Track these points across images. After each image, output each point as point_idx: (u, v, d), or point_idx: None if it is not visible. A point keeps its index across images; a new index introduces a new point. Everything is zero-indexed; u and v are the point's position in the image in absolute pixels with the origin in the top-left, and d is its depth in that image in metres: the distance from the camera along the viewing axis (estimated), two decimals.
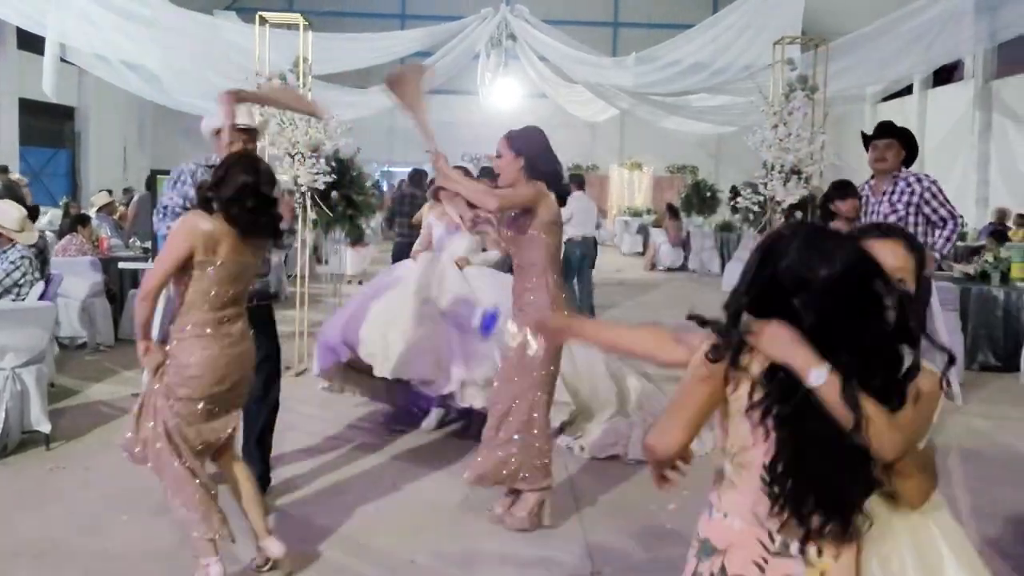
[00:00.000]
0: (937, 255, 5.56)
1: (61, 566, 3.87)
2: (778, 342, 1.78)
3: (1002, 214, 14.96)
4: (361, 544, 4.16)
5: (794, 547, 1.85)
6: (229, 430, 3.65)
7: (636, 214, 21.42)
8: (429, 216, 6.33)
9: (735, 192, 16.10)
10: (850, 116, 23.33)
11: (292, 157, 7.01)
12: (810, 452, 1.79)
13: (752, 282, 1.86)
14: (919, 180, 5.52)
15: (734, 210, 10.64)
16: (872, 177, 5.67)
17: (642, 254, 18.76)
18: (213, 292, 3.47)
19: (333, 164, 7.55)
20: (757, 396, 1.81)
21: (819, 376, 1.73)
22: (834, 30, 15.79)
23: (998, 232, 11.39)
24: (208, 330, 3.47)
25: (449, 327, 5.50)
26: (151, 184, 10.74)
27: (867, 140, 5.70)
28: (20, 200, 7.91)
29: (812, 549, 1.84)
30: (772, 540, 1.86)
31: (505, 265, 5.56)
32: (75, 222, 8.83)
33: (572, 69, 16.02)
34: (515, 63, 18.20)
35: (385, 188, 23.68)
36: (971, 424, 6.53)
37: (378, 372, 5.34)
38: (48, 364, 6.32)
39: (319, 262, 15.25)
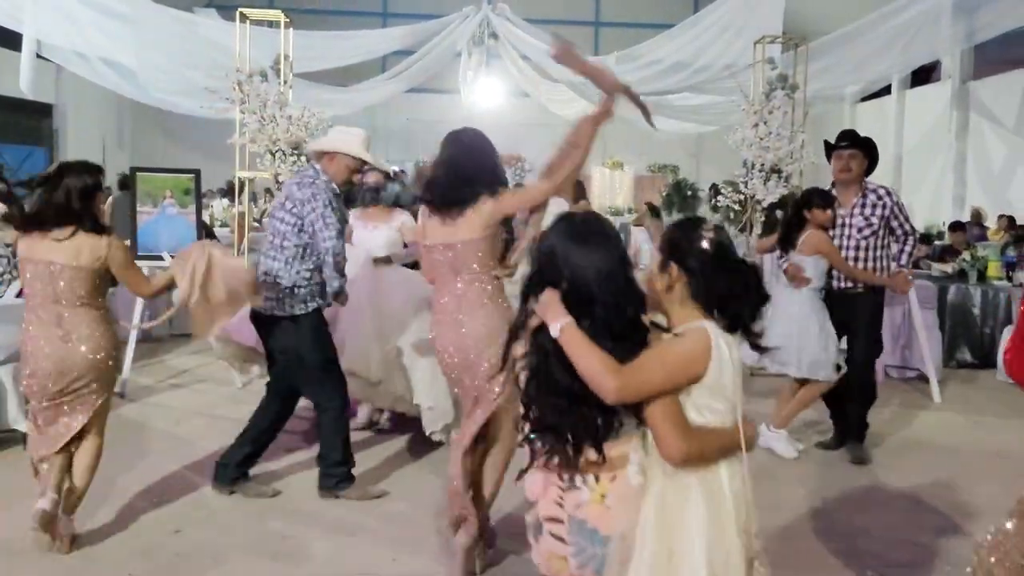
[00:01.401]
0: (903, 268, 5.64)
1: (35, 565, 3.83)
2: (541, 304, 2.17)
3: (978, 214, 15.10)
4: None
5: (579, 480, 2.18)
6: None
7: (617, 213, 21.43)
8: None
9: (715, 191, 16.18)
10: (829, 116, 23.46)
11: (273, 155, 6.96)
12: (553, 396, 2.16)
13: (534, 260, 2.27)
14: (888, 193, 5.52)
15: (714, 209, 10.69)
16: (833, 186, 5.61)
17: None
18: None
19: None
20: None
21: (555, 328, 2.11)
22: (814, 29, 15.94)
23: (957, 223, 11.51)
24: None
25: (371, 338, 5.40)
26: (125, 184, 10.68)
27: (830, 149, 5.62)
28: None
29: (591, 477, 2.16)
30: (562, 480, 2.20)
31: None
32: None
33: (553, 67, 16.00)
34: (497, 62, 18.20)
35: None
36: (949, 421, 6.61)
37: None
38: None
39: None
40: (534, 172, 26.19)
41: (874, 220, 5.39)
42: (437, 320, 3.76)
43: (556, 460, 2.17)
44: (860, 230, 5.40)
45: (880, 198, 5.44)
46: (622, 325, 2.14)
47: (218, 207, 13.86)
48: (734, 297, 2.17)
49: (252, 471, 4.81)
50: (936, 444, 6.03)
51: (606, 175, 25.10)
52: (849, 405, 5.60)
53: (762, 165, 7.56)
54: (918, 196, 21.10)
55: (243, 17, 7.40)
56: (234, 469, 4.71)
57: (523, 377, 2.24)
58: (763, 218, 7.79)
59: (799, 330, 5.31)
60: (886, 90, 21.75)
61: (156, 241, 6.59)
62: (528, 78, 18.11)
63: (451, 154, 3.90)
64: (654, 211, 17.43)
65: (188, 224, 6.80)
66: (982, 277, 8.43)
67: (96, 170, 3.96)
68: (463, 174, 3.76)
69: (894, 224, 5.48)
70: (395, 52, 16.99)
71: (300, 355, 4.58)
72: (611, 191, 24.77)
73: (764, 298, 2.21)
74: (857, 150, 5.44)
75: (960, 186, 19.28)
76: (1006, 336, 7.88)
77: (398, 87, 16.33)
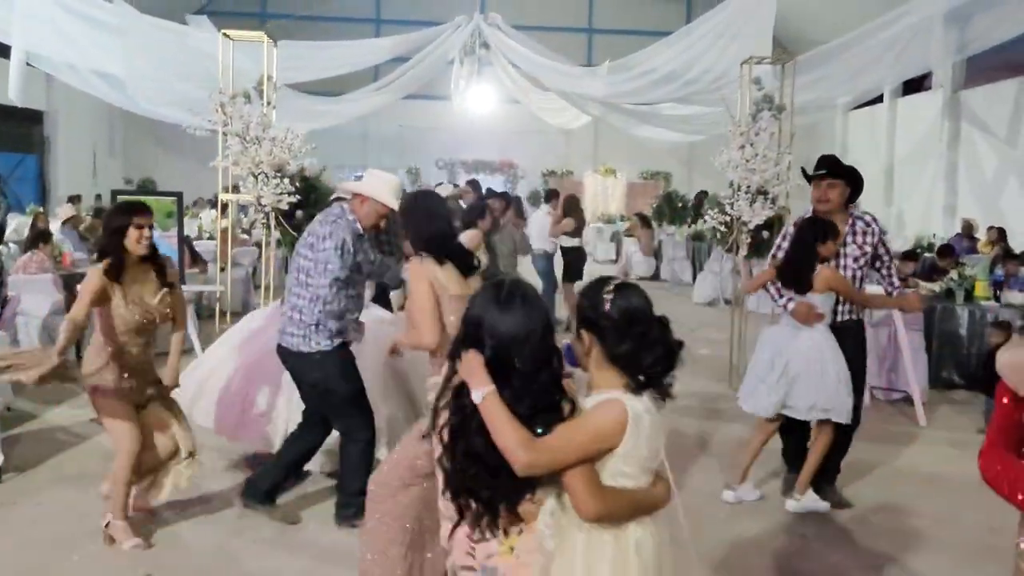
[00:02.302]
0: (905, 291, 5.49)
1: None
2: (464, 366, 2.22)
3: (968, 226, 15.09)
4: None
5: (489, 533, 2.24)
6: None
7: (609, 221, 21.45)
8: None
9: (701, 196, 16.17)
10: (822, 125, 23.52)
11: (256, 177, 6.92)
12: (469, 459, 2.21)
13: (462, 323, 2.32)
14: (875, 220, 5.34)
15: (697, 213, 10.50)
16: (814, 212, 5.27)
17: (615, 261, 18.79)
18: None
19: (297, 184, 7.49)
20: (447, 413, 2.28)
21: (477, 395, 2.16)
22: (808, 39, 15.96)
23: (945, 247, 11.43)
24: None
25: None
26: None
27: (808, 177, 5.36)
28: None
29: (499, 531, 2.24)
30: (474, 531, 2.25)
31: None
32: (36, 239, 8.69)
33: (545, 77, 16.00)
34: (489, 69, 18.18)
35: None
36: (935, 449, 6.58)
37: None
38: (1, 390, 6.25)
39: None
40: (527, 178, 26.24)
41: (867, 248, 5.21)
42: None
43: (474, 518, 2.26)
44: (856, 259, 5.20)
45: (868, 225, 5.26)
46: (539, 392, 2.20)
47: (207, 218, 13.80)
48: (643, 355, 2.22)
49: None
50: (920, 472, 6.01)
51: (599, 182, 25.11)
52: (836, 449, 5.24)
53: (748, 187, 7.52)
54: (909, 205, 21.14)
55: (226, 38, 7.30)
56: (264, 494, 4.85)
57: (446, 435, 2.29)
58: (748, 239, 7.75)
59: (814, 370, 4.93)
60: (878, 99, 21.76)
61: None
62: (520, 87, 18.10)
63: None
64: (645, 222, 17.50)
65: (169, 247, 6.76)
66: (969, 297, 8.41)
67: None
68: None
69: (881, 251, 5.29)
70: (387, 61, 16.92)
71: (328, 388, 4.68)
72: (604, 198, 24.77)
73: (672, 352, 2.27)
74: (836, 179, 5.14)
75: (951, 196, 19.29)
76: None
77: (389, 98, 16.29)
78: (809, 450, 5.20)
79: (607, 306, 2.24)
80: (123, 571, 4.14)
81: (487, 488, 2.21)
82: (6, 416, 6.46)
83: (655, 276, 16.81)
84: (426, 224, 4.03)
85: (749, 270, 8.10)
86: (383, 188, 4.60)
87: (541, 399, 2.20)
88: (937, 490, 5.65)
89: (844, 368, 4.95)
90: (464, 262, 3.95)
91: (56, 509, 4.85)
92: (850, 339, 5.14)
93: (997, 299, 8.45)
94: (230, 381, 5.41)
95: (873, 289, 5.67)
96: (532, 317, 2.23)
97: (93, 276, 4.26)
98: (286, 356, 4.68)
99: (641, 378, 2.22)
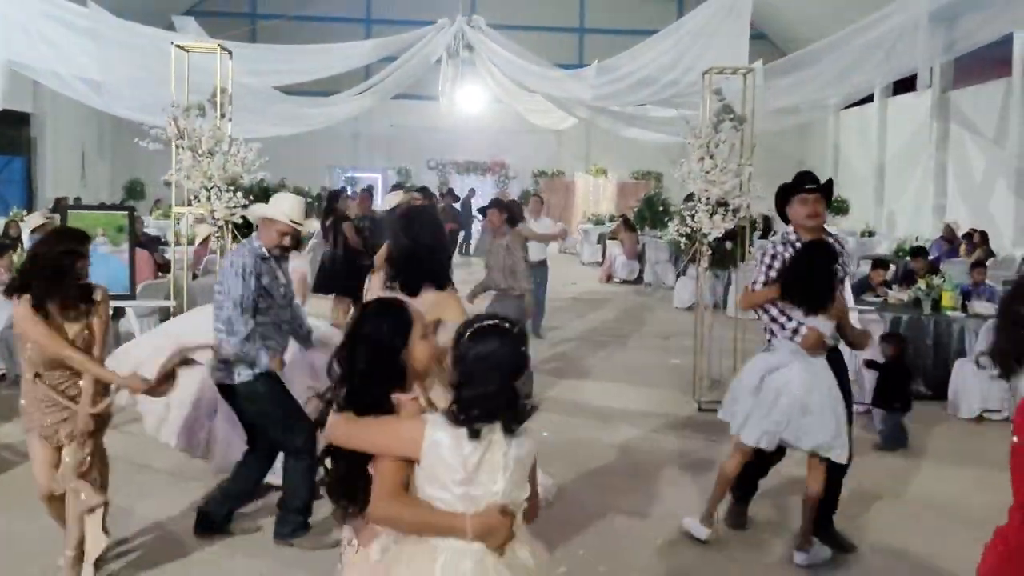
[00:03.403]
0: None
1: None
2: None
3: (950, 230, 14.99)
4: None
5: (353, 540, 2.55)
6: None
7: (599, 222, 21.35)
8: None
9: (689, 197, 16.02)
10: (814, 124, 23.42)
11: (208, 191, 6.87)
12: (338, 465, 2.52)
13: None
14: (840, 240, 5.12)
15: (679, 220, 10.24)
16: (794, 232, 4.95)
17: (601, 264, 18.72)
18: None
19: (257, 194, 7.43)
20: None
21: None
22: (804, 38, 15.86)
23: (917, 248, 11.28)
24: None
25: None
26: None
27: (790, 190, 4.96)
28: None
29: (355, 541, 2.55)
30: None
31: None
32: (2, 248, 8.66)
33: (527, 80, 15.92)
34: (476, 70, 18.09)
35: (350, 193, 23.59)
36: (890, 464, 6.50)
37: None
38: None
39: None
40: (519, 178, 26.17)
41: (846, 269, 5.04)
42: None
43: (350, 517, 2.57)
44: (841, 280, 4.98)
45: (841, 244, 5.01)
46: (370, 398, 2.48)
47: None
48: (466, 394, 2.38)
49: None
50: (874, 491, 5.92)
51: (589, 182, 25.03)
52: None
53: (708, 199, 7.45)
54: (899, 205, 21.05)
55: (180, 49, 7.24)
56: (220, 522, 4.88)
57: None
58: (710, 251, 7.68)
59: (816, 400, 4.60)
60: (869, 98, 21.64)
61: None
62: (505, 88, 18.04)
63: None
64: (628, 225, 17.43)
65: (120, 263, 6.72)
66: (936, 307, 8.34)
67: None
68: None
69: (848, 269, 5.25)
70: (376, 62, 16.86)
71: (261, 417, 4.73)
72: (594, 198, 24.68)
73: (495, 407, 2.36)
74: (821, 195, 4.89)
75: (940, 196, 19.21)
76: (957, 368, 7.80)
77: (374, 100, 16.21)
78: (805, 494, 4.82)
79: (461, 341, 2.43)
80: None
81: (349, 487, 2.51)
82: None
83: (638, 279, 16.74)
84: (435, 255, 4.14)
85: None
86: (283, 208, 4.63)
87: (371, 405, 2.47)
88: (884, 512, 5.58)
89: (841, 401, 4.67)
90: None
91: None
92: (839, 367, 4.86)
93: (965, 309, 8.38)
94: (198, 398, 5.36)
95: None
96: (384, 331, 2.53)
97: (26, 314, 4.00)
98: (218, 390, 4.77)
99: (457, 412, 2.36)
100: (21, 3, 11.76)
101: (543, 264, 10.84)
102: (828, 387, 4.62)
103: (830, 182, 5.02)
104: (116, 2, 14.47)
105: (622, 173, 25.36)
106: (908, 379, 7.17)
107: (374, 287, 4.02)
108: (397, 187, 17.51)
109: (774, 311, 4.77)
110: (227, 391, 4.70)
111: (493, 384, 2.35)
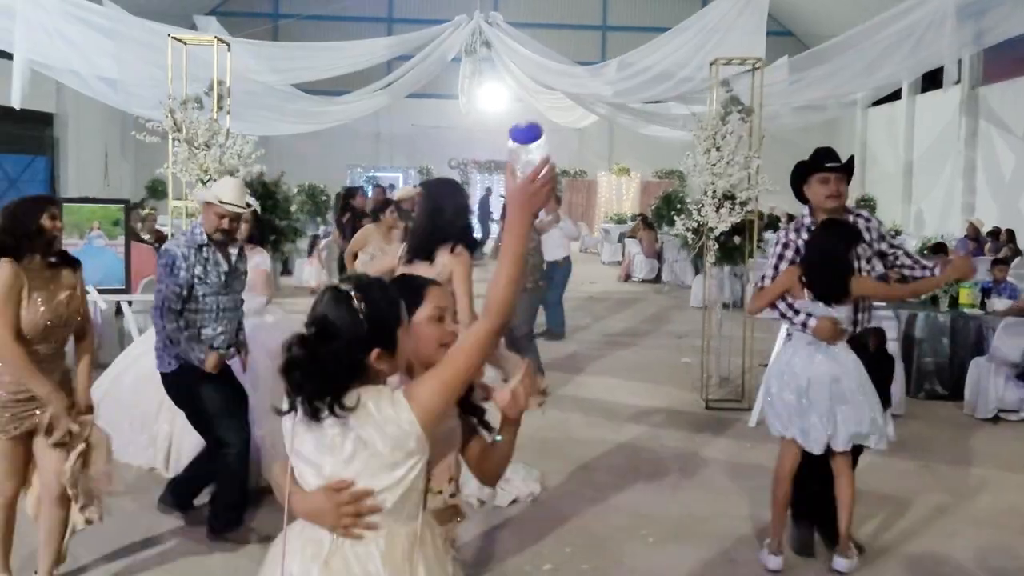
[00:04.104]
0: (937, 267, 4.68)
1: None
2: None
3: (974, 228, 14.65)
4: None
5: None
6: None
7: (621, 221, 21.16)
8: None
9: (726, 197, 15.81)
10: (841, 121, 23.09)
11: (204, 184, 6.80)
12: None
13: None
14: (870, 217, 4.72)
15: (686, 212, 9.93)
16: (811, 213, 4.65)
17: (621, 263, 18.54)
18: None
19: (256, 189, 7.38)
20: None
21: None
22: (826, 34, 15.59)
23: (939, 245, 10.96)
24: None
25: None
26: None
27: (809, 169, 4.62)
28: None
29: None
30: None
31: None
32: None
33: (547, 78, 15.77)
34: (496, 68, 17.99)
35: (371, 193, 23.60)
36: (896, 464, 6.28)
37: None
38: None
39: (287, 273, 15.12)
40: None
41: (875, 246, 4.61)
42: None
43: None
44: (869, 260, 4.60)
45: (868, 221, 4.66)
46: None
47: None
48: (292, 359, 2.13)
49: None
50: (877, 492, 5.72)
51: (612, 181, 24.82)
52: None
53: (714, 192, 7.26)
54: (928, 203, 20.68)
55: (178, 41, 7.19)
56: (183, 502, 4.90)
57: None
58: (716, 245, 7.49)
59: (847, 387, 4.32)
60: (897, 95, 21.29)
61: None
62: (525, 86, 17.90)
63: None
64: (647, 223, 17.23)
65: (115, 256, 6.67)
66: (954, 304, 8.09)
67: None
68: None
69: (883, 247, 4.66)
70: (395, 58, 16.82)
71: (185, 406, 4.68)
72: (617, 197, 24.49)
73: (319, 384, 2.08)
74: (844, 174, 4.55)
75: (969, 194, 18.83)
76: (973, 367, 7.56)
77: (388, 99, 16.15)
78: (838, 497, 4.51)
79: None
80: None
81: None
82: None
83: (657, 278, 16.54)
84: (461, 217, 4.13)
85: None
86: (217, 190, 4.54)
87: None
88: (888, 514, 5.38)
89: (872, 386, 4.38)
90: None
91: None
92: (876, 350, 4.66)
93: (983, 307, 8.12)
94: (120, 395, 5.32)
95: None
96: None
97: (3, 270, 3.71)
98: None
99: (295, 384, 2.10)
100: (41, 3, 11.84)
101: (560, 263, 10.68)
102: (854, 373, 4.33)
103: (851, 160, 4.65)
104: (139, 3, 14.56)
105: (645, 172, 25.13)
106: (890, 373, 6.93)
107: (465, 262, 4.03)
108: (421, 186, 17.42)
109: (782, 306, 4.49)
110: (161, 379, 4.64)
111: (325, 349, 2.06)
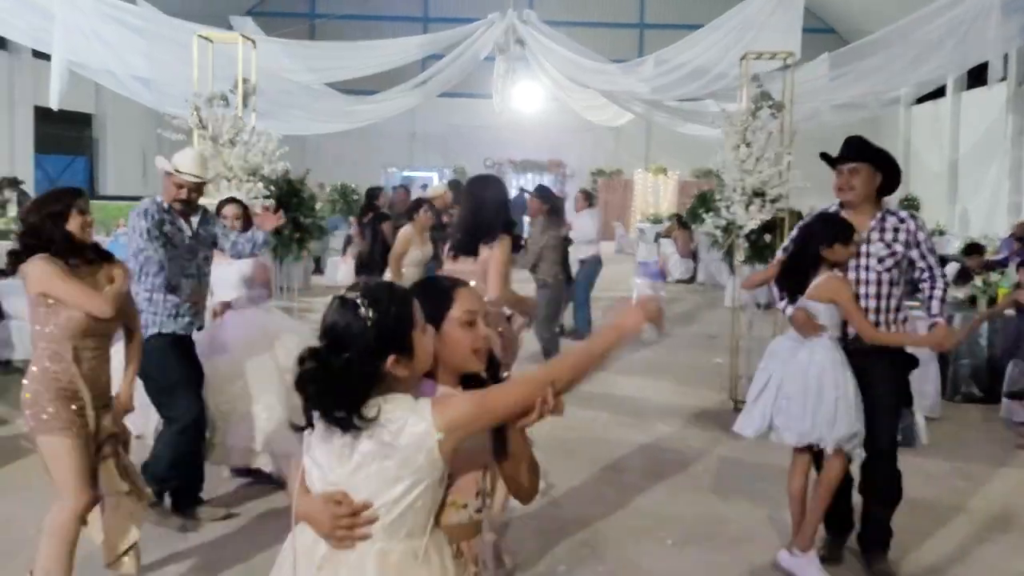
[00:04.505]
0: (938, 318, 4.33)
1: None
2: None
3: (1022, 227, 14.26)
4: None
5: None
6: None
7: (658, 221, 20.96)
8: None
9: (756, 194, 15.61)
10: (884, 119, 22.68)
11: (228, 181, 6.81)
12: None
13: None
14: (912, 217, 4.40)
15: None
16: (841, 206, 4.47)
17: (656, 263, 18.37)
18: None
19: (280, 186, 7.37)
20: None
21: None
22: (866, 29, 15.32)
23: (973, 246, 10.60)
24: None
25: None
26: None
27: (831, 163, 4.49)
28: None
29: None
30: None
31: None
32: None
33: (581, 76, 15.66)
34: (530, 67, 17.91)
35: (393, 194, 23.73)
36: (929, 467, 6.10)
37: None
38: None
39: (319, 272, 15.19)
40: (576, 177, 25.93)
41: (897, 248, 4.28)
42: None
43: None
44: (881, 260, 4.29)
45: (902, 221, 4.33)
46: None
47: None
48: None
49: None
50: (907, 496, 5.54)
51: (649, 180, 24.63)
52: (869, 504, 4.50)
53: (743, 189, 7.11)
54: (973, 203, 20.23)
55: (204, 39, 7.21)
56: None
57: None
58: (746, 243, 7.35)
59: (811, 387, 4.22)
60: (942, 93, 20.86)
61: None
62: (559, 84, 17.80)
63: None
64: (682, 223, 17.05)
65: None
66: (992, 305, 7.86)
67: None
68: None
69: (914, 255, 4.32)
70: (426, 57, 16.83)
71: (144, 375, 4.46)
72: (654, 197, 24.29)
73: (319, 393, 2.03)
74: (863, 164, 4.30)
75: (1016, 194, 18.39)
76: (1011, 368, 7.33)
77: (419, 98, 16.15)
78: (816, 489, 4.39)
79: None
80: None
81: None
82: None
83: (692, 278, 16.35)
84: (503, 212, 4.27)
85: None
86: (177, 160, 4.58)
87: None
88: (915, 517, 5.20)
89: (849, 392, 4.19)
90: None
91: None
92: (880, 368, 4.28)
93: (1021, 309, 7.88)
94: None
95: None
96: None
97: (42, 266, 3.53)
98: None
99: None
100: (78, 4, 11.99)
101: (587, 261, 10.58)
102: (823, 374, 4.18)
103: (868, 149, 4.35)
104: (176, 3, 14.69)
105: (683, 171, 24.89)
106: (906, 371, 6.76)
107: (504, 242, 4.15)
108: (449, 184, 17.43)
109: (775, 289, 4.51)
110: None
111: (337, 360, 1.98)
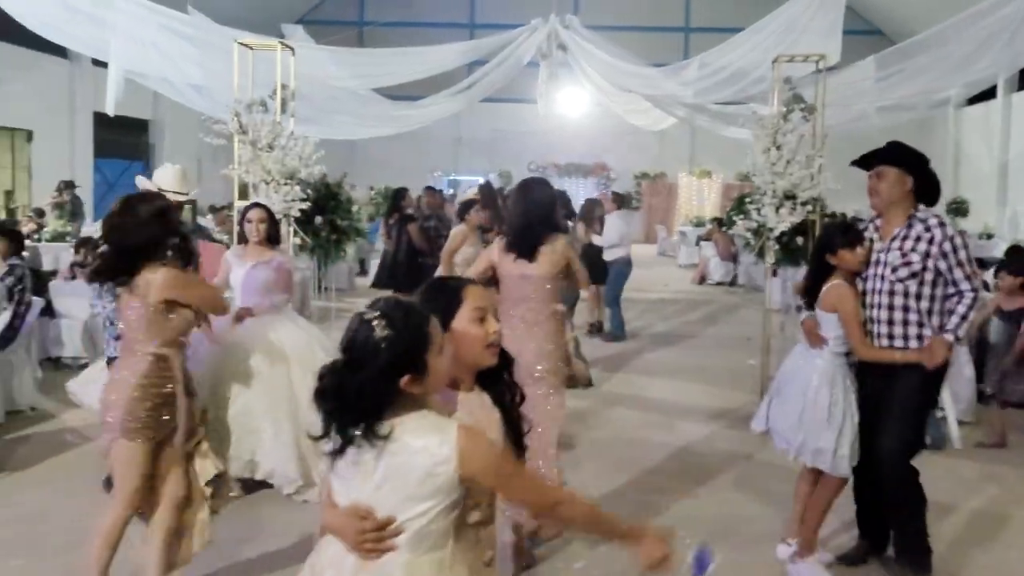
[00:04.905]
0: (950, 338, 4.06)
1: None
2: None
3: None
4: None
5: None
6: None
7: (700, 224, 20.91)
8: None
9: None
10: (933, 121, 22.32)
11: (267, 184, 7.01)
12: None
13: None
14: (941, 225, 4.10)
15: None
16: (878, 216, 4.31)
17: (697, 266, 18.34)
18: None
19: (318, 189, 7.56)
20: None
21: None
22: (917, 30, 15.13)
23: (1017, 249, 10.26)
24: None
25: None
26: None
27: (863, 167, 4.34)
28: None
29: None
30: None
31: None
32: (81, 243, 9.13)
33: (622, 80, 15.69)
34: (573, 72, 17.98)
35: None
36: (962, 473, 6.07)
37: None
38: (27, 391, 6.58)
39: (363, 273, 15.42)
40: (620, 180, 25.90)
41: (914, 258, 4.05)
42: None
43: None
44: (895, 269, 4.10)
45: (928, 230, 4.07)
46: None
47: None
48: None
49: None
50: (936, 501, 5.52)
51: (693, 184, 24.54)
52: (885, 512, 4.43)
53: (774, 192, 7.14)
54: None
55: (244, 46, 7.43)
56: None
57: None
58: (776, 246, 7.37)
59: (806, 403, 4.22)
60: (992, 94, 20.50)
61: None
62: (602, 88, 17.85)
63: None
64: (721, 225, 16.96)
65: None
66: None
67: None
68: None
69: (941, 267, 4.04)
70: (469, 63, 16.98)
71: None
72: (698, 200, 24.18)
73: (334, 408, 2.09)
74: (890, 167, 4.14)
75: None
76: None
77: (462, 104, 16.29)
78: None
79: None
80: None
81: None
82: (28, 416, 6.78)
83: (732, 281, 16.29)
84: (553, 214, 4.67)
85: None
86: (158, 178, 4.78)
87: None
88: (943, 521, 5.20)
89: (845, 410, 4.16)
90: None
91: (24, 512, 4.99)
92: (900, 380, 4.12)
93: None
94: None
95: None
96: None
97: (171, 272, 3.61)
98: None
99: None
100: (134, 13, 12.36)
101: (615, 263, 10.64)
102: (820, 387, 4.20)
103: (895, 151, 4.21)
104: (228, 12, 15.03)
105: (727, 175, 24.76)
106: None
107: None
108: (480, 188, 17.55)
109: (799, 301, 4.51)
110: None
111: (352, 378, 2.03)
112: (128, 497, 3.65)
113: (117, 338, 4.51)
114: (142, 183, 4.83)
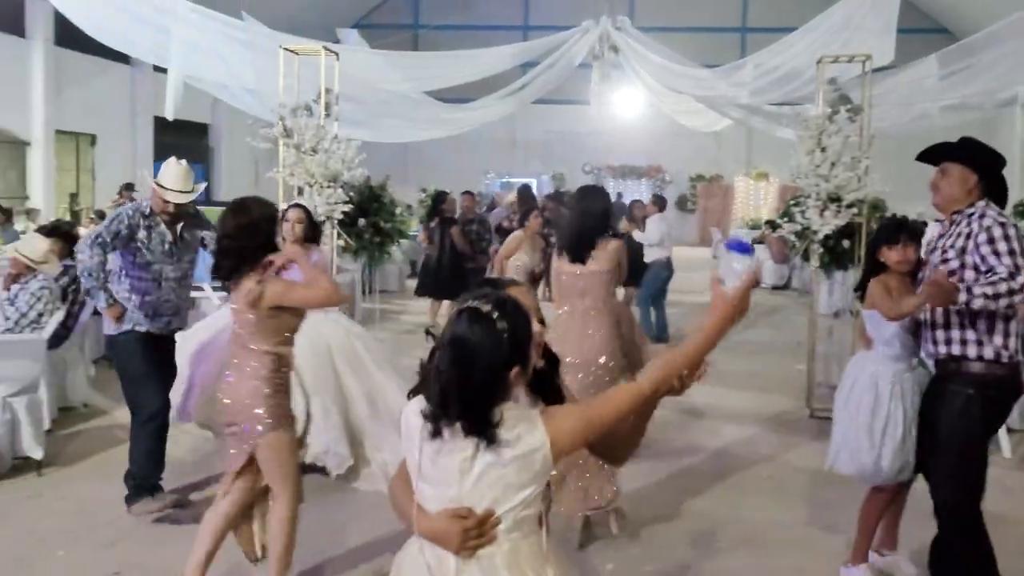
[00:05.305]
0: (964, 300, 3.60)
1: None
2: None
3: None
4: None
5: None
6: None
7: (756, 226, 20.64)
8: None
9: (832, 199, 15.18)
10: (999, 121, 21.73)
11: (311, 187, 7.13)
12: None
13: None
14: (981, 217, 3.80)
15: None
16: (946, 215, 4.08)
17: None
18: None
19: (362, 192, 7.66)
20: None
21: None
22: (974, 26, 14.78)
23: None
24: None
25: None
26: None
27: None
28: None
29: None
30: None
31: None
32: None
33: (674, 82, 15.58)
34: (626, 73, 17.91)
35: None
36: (1009, 483, 5.91)
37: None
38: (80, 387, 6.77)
39: (413, 276, 15.53)
40: (675, 183, 25.70)
41: (950, 255, 3.83)
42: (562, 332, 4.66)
43: None
44: (936, 267, 3.92)
45: (969, 224, 3.84)
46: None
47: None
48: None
49: None
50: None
51: (750, 186, 24.24)
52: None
53: (818, 195, 7.03)
54: None
55: (289, 52, 7.56)
56: (149, 488, 5.02)
57: None
58: (820, 249, 7.25)
59: (850, 413, 4.22)
60: None
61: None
62: (654, 90, 17.74)
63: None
64: (774, 227, 16.73)
65: None
66: None
67: None
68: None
69: (975, 259, 3.74)
70: (520, 65, 17.02)
71: (119, 370, 5.12)
72: (755, 202, 23.88)
73: (441, 393, 2.09)
74: (953, 164, 3.90)
75: None
76: None
77: (513, 106, 16.31)
78: None
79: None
80: (94, 569, 4.35)
81: None
82: (80, 412, 6.98)
83: (786, 285, 16.07)
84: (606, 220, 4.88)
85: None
86: (163, 176, 4.84)
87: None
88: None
89: (888, 421, 4.06)
90: None
91: (71, 505, 5.15)
92: (946, 402, 3.86)
93: None
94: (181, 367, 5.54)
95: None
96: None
97: (281, 281, 3.72)
98: None
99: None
100: (192, 21, 12.65)
101: (653, 265, 10.60)
102: (862, 396, 4.15)
103: (957, 147, 3.97)
104: (286, 18, 15.30)
105: (785, 176, 24.40)
106: None
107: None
108: (557, 193, 17.59)
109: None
110: (106, 340, 5.18)
111: (453, 376, 2.05)
112: (295, 483, 3.81)
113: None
114: (147, 180, 4.95)
